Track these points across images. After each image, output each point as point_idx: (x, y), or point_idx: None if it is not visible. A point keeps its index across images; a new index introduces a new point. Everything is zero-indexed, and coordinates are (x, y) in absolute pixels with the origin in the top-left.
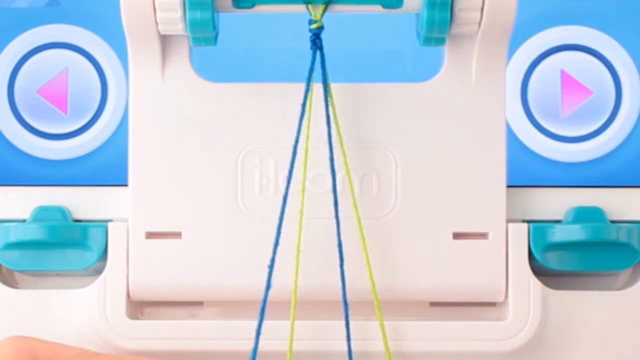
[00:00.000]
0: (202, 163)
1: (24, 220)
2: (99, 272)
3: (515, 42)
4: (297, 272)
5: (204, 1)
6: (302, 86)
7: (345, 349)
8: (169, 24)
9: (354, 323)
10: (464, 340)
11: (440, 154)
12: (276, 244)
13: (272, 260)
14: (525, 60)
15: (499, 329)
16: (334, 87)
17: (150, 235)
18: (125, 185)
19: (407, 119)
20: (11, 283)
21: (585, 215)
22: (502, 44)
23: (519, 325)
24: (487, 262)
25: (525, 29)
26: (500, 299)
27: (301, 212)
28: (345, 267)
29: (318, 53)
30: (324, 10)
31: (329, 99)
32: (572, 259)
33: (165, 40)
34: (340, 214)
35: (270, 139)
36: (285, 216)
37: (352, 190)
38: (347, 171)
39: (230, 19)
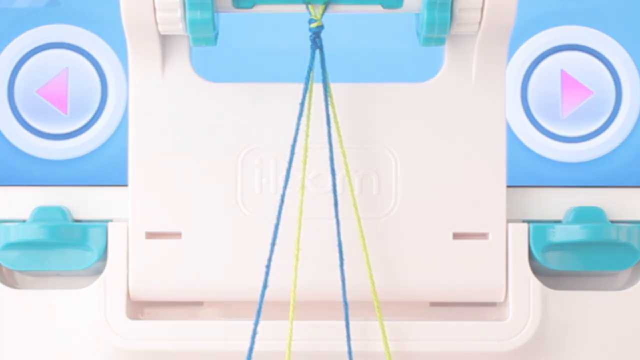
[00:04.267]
0: (202, 163)
1: (24, 220)
2: (99, 272)
3: (515, 42)
4: (296, 271)
5: (204, 1)
6: (302, 86)
7: (345, 349)
8: (169, 24)
9: (354, 323)
10: (464, 340)
11: (440, 154)
12: (273, 243)
13: (269, 259)
14: (525, 60)
15: (499, 329)
16: (334, 87)
17: (150, 235)
18: (125, 185)
19: (407, 119)
20: (11, 283)
21: (585, 215)
22: (502, 44)
23: (519, 325)
24: (487, 262)
25: (525, 29)
26: (500, 299)
27: (300, 212)
28: (345, 267)
29: (318, 52)
30: (324, 10)
31: (329, 98)
32: (572, 259)
33: (165, 40)
34: (340, 214)
35: (270, 139)
36: (286, 216)
37: (352, 190)
38: (347, 171)
39: (230, 19)
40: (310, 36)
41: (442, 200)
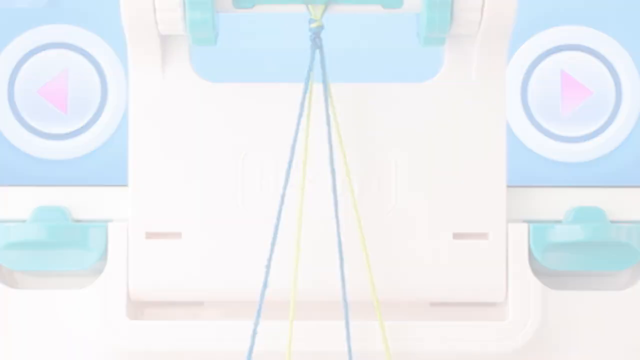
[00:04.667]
0: (202, 163)
1: (24, 220)
2: (99, 272)
3: (515, 42)
4: (296, 271)
5: (204, 1)
6: (302, 86)
7: (345, 349)
8: (169, 24)
9: (354, 323)
10: (464, 340)
11: (440, 154)
12: (273, 243)
13: (269, 259)
14: (525, 60)
15: (499, 329)
16: (334, 87)
17: (150, 235)
18: (125, 185)
19: (407, 119)
20: (11, 283)
21: (585, 215)
22: (502, 44)
23: (519, 325)
24: (487, 262)
25: (525, 29)
26: (500, 299)
27: (300, 212)
28: (345, 267)
29: (318, 52)
30: (324, 10)
31: (328, 99)
32: (572, 259)
33: (165, 40)
34: (340, 214)
35: (271, 139)
36: (286, 216)
37: (352, 190)
38: (347, 171)
39: (230, 19)
40: (310, 36)
41: (442, 200)
